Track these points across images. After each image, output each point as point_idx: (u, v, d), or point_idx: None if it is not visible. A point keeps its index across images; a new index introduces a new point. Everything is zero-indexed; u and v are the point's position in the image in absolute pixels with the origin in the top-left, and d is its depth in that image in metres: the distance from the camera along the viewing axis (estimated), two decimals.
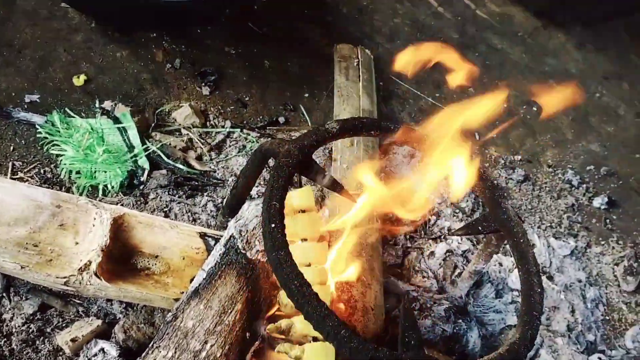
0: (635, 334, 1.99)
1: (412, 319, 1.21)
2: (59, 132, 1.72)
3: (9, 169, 1.65)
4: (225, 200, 1.74)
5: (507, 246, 1.97)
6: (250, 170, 1.51)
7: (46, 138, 1.71)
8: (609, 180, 2.52)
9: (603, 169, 2.54)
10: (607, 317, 2.02)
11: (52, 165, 1.70)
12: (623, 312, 2.06)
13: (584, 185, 2.43)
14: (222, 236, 1.51)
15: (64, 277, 1.38)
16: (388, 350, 1.10)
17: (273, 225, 1.20)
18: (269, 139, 2.01)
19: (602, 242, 2.25)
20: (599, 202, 2.39)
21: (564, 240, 2.18)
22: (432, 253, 1.87)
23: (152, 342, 1.31)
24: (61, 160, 1.68)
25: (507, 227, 1.42)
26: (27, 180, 1.63)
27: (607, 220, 2.34)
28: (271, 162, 1.53)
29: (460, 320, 1.69)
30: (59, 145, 1.70)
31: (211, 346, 1.32)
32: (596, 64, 3.14)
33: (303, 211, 1.39)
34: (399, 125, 1.50)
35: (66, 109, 1.82)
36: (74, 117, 1.80)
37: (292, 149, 1.35)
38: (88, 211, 1.51)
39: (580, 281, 2.06)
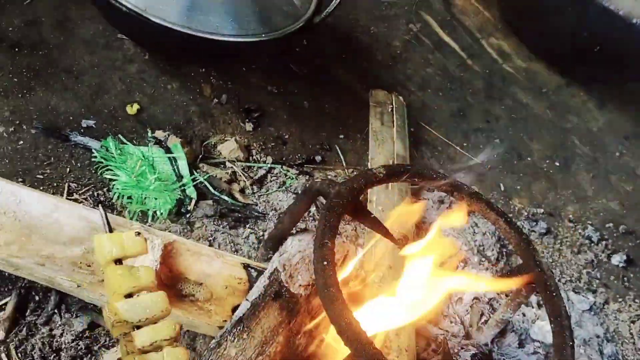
0: None
1: None
2: (114, 157, 1.81)
3: (65, 190, 1.73)
4: (267, 233, 1.81)
5: (530, 297, 2.03)
6: (298, 207, 1.59)
7: (101, 162, 1.80)
8: (627, 238, 2.58)
9: (622, 227, 2.61)
10: None
11: (105, 189, 1.78)
12: None
13: (603, 242, 2.49)
14: (264, 268, 1.58)
15: None
16: None
17: (325, 263, 1.27)
18: (307, 176, 2.10)
19: (620, 300, 2.31)
20: (617, 259, 2.45)
21: (583, 295, 2.24)
22: (460, 299, 1.93)
23: None
24: (114, 184, 1.77)
25: (540, 280, 1.48)
26: (82, 202, 1.71)
27: (625, 278, 2.40)
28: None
29: None
30: (112, 170, 1.79)
31: None
32: (616, 123, 3.24)
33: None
34: (441, 174, 1.58)
35: (119, 135, 1.92)
36: (127, 144, 1.89)
37: (343, 191, 1.42)
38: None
39: (598, 337, 2.11)
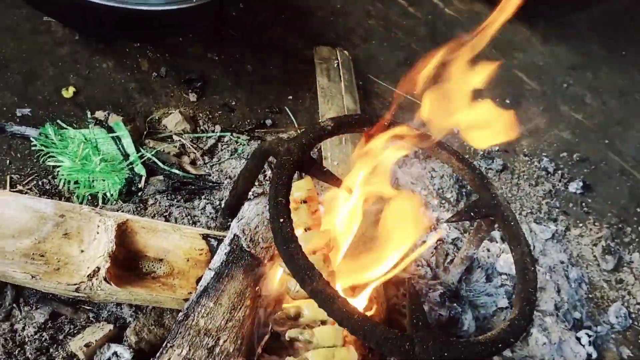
0: (618, 310, 2.10)
1: (418, 302, 1.28)
2: (54, 143, 1.74)
3: (7, 183, 1.66)
4: (224, 201, 1.78)
5: (493, 232, 2.07)
6: (250, 171, 1.56)
7: (42, 150, 1.73)
8: (582, 165, 2.64)
9: (575, 155, 2.66)
10: (590, 295, 2.13)
11: (49, 177, 1.71)
12: (604, 290, 2.17)
13: (559, 172, 2.54)
14: (224, 237, 1.55)
15: (75, 284, 1.41)
16: (399, 331, 1.16)
17: (282, 220, 1.25)
18: (259, 141, 2.07)
19: (580, 225, 2.36)
20: (574, 187, 2.50)
21: (544, 225, 2.28)
22: (424, 242, 1.94)
23: (165, 342, 1.35)
24: (58, 171, 1.70)
25: (497, 212, 1.50)
26: (27, 192, 1.65)
27: (583, 204, 2.46)
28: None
29: (455, 304, 1.77)
30: (55, 157, 1.72)
31: (224, 342, 1.37)
32: (561, 55, 3.28)
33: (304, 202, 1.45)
34: (389, 120, 1.57)
35: (58, 121, 1.84)
36: (66, 128, 1.82)
37: (292, 147, 1.40)
38: (91, 219, 1.53)
39: (562, 262, 2.16)
